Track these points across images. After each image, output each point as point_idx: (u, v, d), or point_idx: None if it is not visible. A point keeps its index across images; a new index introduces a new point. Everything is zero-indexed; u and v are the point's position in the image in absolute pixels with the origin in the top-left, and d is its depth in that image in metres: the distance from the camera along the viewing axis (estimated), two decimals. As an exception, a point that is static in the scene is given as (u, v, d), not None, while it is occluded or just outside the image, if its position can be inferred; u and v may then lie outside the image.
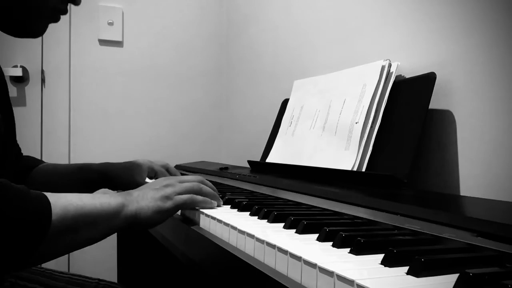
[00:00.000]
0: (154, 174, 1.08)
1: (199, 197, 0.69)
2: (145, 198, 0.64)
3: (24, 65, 1.75)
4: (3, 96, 0.82)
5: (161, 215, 0.65)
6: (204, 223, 0.67)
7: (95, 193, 0.61)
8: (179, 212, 0.79)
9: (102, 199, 0.59)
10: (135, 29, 1.91)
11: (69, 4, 0.76)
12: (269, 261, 0.47)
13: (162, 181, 0.70)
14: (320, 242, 0.49)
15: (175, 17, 1.98)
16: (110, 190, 1.04)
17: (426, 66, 0.86)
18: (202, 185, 0.72)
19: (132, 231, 0.65)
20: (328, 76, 1.08)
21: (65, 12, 0.75)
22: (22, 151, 1.02)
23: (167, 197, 0.65)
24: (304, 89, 1.16)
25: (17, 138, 1.02)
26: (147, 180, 1.07)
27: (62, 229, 0.53)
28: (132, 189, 0.67)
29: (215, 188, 0.76)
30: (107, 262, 1.75)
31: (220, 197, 0.76)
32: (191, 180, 0.71)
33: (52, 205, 0.52)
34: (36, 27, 0.73)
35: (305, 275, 0.40)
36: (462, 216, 0.51)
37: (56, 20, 0.75)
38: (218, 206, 0.74)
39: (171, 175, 1.10)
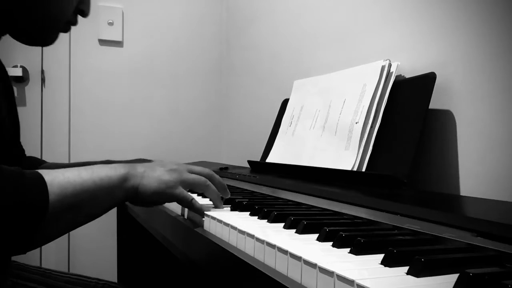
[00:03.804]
0: None
1: (198, 204, 0.67)
2: (150, 176, 0.62)
3: (24, 65, 1.75)
4: (9, 96, 0.83)
5: (159, 198, 0.64)
6: (204, 223, 0.67)
7: (95, 166, 0.58)
8: (179, 212, 0.79)
9: (102, 173, 0.57)
10: (135, 29, 1.91)
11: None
12: (269, 261, 0.47)
13: (171, 164, 0.67)
14: (320, 242, 0.49)
15: (175, 17, 1.98)
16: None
17: (426, 66, 0.86)
18: (209, 183, 0.69)
19: (132, 203, 0.64)
20: (328, 76, 1.08)
21: (75, 23, 0.78)
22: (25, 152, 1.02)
23: (172, 183, 0.64)
24: (304, 89, 1.16)
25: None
26: None
27: (62, 208, 0.52)
28: None
29: (224, 185, 0.73)
30: (107, 262, 1.75)
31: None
32: (199, 172, 0.69)
33: (48, 184, 0.50)
34: (49, 37, 0.75)
35: (305, 275, 0.40)
36: (462, 216, 0.51)
37: (67, 31, 0.77)
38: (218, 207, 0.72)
39: None
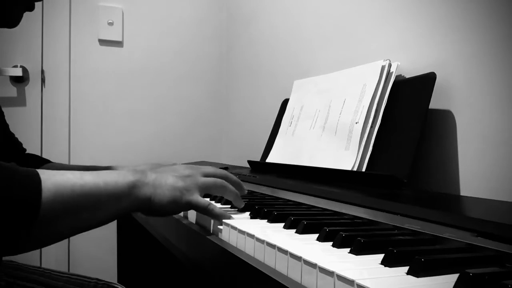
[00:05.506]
0: None
1: (217, 209, 0.61)
2: (163, 185, 0.58)
3: (24, 65, 1.75)
4: None
5: (176, 206, 0.59)
6: (204, 223, 0.67)
7: (101, 171, 0.55)
8: (182, 214, 0.79)
9: (108, 178, 0.53)
10: (135, 29, 1.91)
11: None
12: (269, 261, 0.47)
13: (183, 169, 0.63)
14: (320, 242, 0.49)
15: (175, 17, 1.98)
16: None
17: (426, 66, 0.86)
18: (226, 183, 0.65)
19: (145, 214, 0.60)
20: (328, 76, 1.08)
21: None
22: (24, 148, 1.02)
23: (187, 190, 0.59)
24: (304, 89, 1.16)
25: (17, 138, 1.02)
26: None
27: (57, 209, 0.47)
28: None
29: (240, 182, 0.68)
30: (107, 262, 1.75)
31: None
32: (214, 174, 0.65)
33: (43, 182, 0.46)
34: (11, 15, 0.71)
35: (305, 275, 0.40)
36: (462, 216, 0.51)
37: (31, 8, 0.73)
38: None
39: None
